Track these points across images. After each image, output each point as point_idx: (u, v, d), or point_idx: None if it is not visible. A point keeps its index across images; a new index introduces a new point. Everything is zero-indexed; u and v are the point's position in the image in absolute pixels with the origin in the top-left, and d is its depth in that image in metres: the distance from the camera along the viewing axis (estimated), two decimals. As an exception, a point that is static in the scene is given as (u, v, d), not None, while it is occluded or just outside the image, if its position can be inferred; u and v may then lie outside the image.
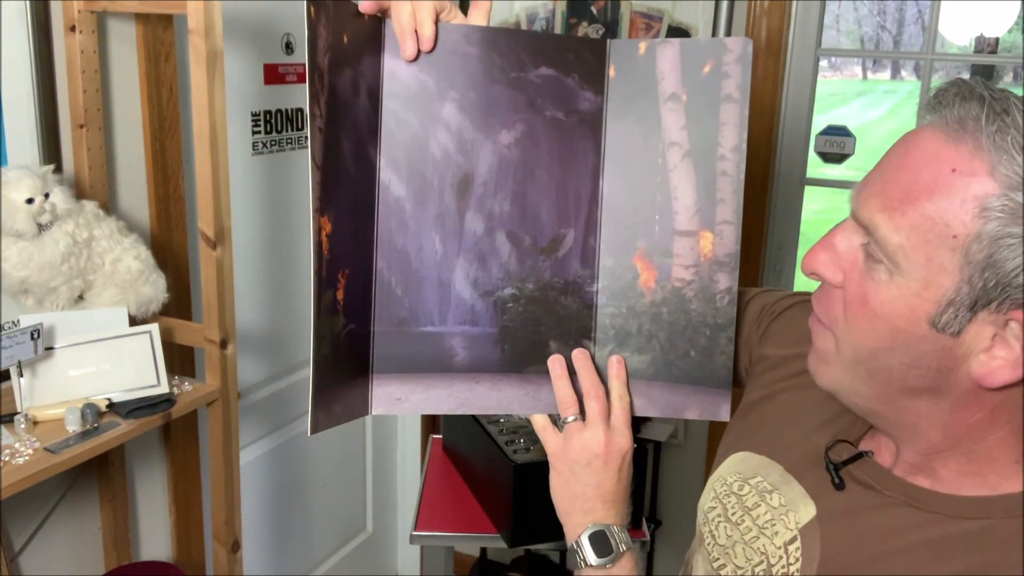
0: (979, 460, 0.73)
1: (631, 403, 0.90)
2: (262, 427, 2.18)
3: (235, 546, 1.64)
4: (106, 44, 1.59)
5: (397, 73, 0.86)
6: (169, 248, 1.75)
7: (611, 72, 0.90)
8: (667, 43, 0.88)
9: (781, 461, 0.88)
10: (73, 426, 1.31)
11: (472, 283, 0.89)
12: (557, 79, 0.89)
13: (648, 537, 1.74)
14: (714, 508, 0.92)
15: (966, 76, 0.71)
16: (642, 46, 0.89)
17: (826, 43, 2.20)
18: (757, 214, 2.20)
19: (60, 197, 1.37)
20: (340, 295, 0.84)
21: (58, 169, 1.49)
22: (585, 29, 2.27)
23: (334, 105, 0.82)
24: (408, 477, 2.76)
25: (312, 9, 0.79)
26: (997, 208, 0.63)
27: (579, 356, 0.90)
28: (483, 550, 2.66)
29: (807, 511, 0.82)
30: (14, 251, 1.35)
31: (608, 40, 0.90)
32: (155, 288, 1.51)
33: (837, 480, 0.81)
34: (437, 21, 0.86)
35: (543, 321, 0.90)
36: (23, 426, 1.29)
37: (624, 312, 0.91)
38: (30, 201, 1.32)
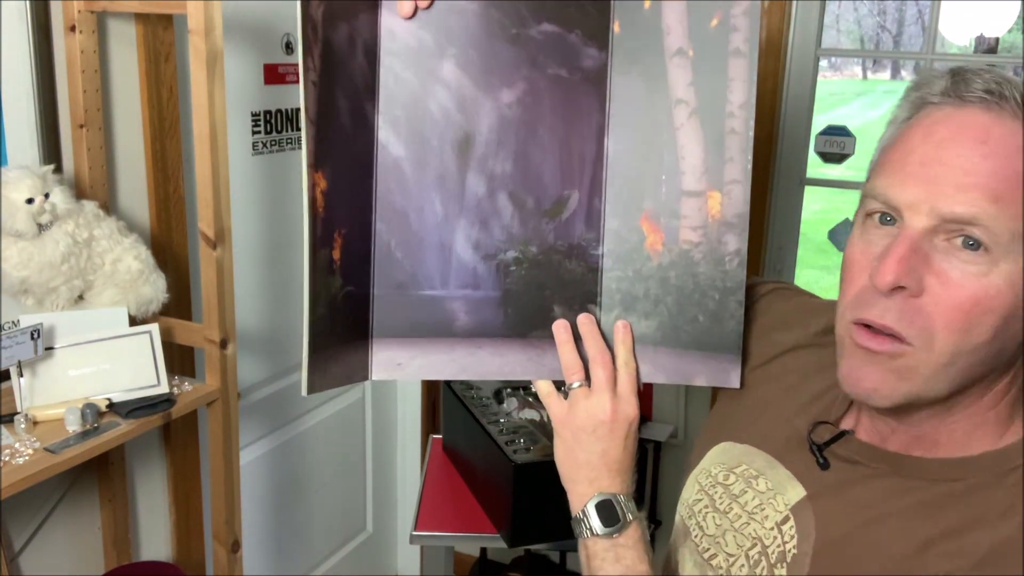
0: (971, 423, 0.76)
1: (637, 369, 0.88)
2: (262, 427, 2.18)
3: (235, 546, 1.64)
4: (106, 44, 1.59)
5: (395, 30, 0.84)
6: (169, 248, 1.75)
7: (615, 28, 0.87)
8: None
9: (764, 448, 0.89)
10: (73, 426, 1.31)
11: (474, 246, 0.87)
12: (560, 35, 0.86)
13: (648, 537, 1.74)
14: (700, 500, 0.92)
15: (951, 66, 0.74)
16: (647, 1, 0.86)
17: (826, 43, 2.20)
18: (757, 214, 2.20)
19: (60, 197, 1.37)
20: (336, 255, 0.82)
21: (58, 169, 1.49)
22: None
23: (329, 59, 0.80)
24: (408, 477, 2.76)
25: None
26: None
27: (584, 321, 0.88)
28: (483, 550, 2.66)
29: (795, 492, 0.83)
30: (14, 251, 1.35)
31: None
32: (155, 288, 1.51)
33: (822, 460, 0.83)
34: None
35: (547, 285, 0.88)
36: (23, 426, 1.29)
37: (630, 276, 0.88)
38: (30, 201, 1.32)
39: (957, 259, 0.70)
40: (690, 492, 0.95)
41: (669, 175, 0.86)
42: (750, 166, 0.86)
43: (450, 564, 1.78)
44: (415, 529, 1.65)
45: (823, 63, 2.21)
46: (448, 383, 1.83)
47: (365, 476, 2.65)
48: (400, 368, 0.87)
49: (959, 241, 0.69)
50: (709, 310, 0.87)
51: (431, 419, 2.68)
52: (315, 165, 0.80)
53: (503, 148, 0.87)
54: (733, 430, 0.94)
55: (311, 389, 0.81)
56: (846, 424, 0.85)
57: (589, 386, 0.87)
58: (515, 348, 0.88)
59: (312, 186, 0.80)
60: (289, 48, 2.07)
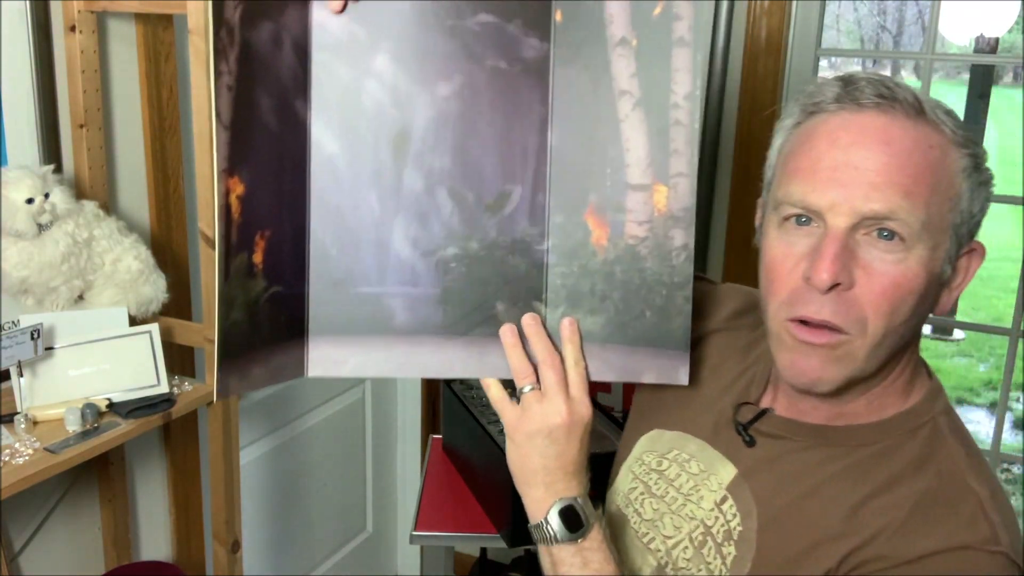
0: (894, 383, 0.85)
1: (587, 368, 0.87)
2: (262, 427, 2.19)
3: (235, 546, 1.64)
4: (106, 44, 1.59)
5: (326, 24, 0.83)
6: (169, 248, 1.75)
7: (557, 16, 0.85)
8: None
9: (692, 431, 0.94)
10: (73, 426, 1.31)
11: (412, 242, 0.86)
12: (498, 26, 0.84)
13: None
14: (635, 488, 0.96)
15: (887, 74, 0.82)
16: None
17: (826, 43, 2.20)
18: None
19: (60, 197, 1.37)
20: (258, 258, 0.81)
21: (58, 169, 1.49)
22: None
23: (248, 60, 0.79)
24: (408, 477, 2.76)
25: None
26: (967, 167, 0.78)
27: (529, 322, 0.87)
28: (483, 550, 2.66)
29: (727, 471, 0.88)
30: (14, 251, 1.35)
31: None
32: (155, 288, 1.51)
33: (748, 438, 0.88)
34: None
35: (490, 282, 0.86)
36: (23, 426, 1.29)
37: (576, 271, 0.87)
38: (30, 201, 1.32)
39: (877, 249, 0.77)
40: (624, 482, 0.98)
41: (614, 168, 0.85)
42: (696, 159, 0.85)
43: (450, 564, 1.78)
44: (415, 529, 1.65)
45: (823, 63, 2.21)
46: (448, 383, 1.83)
47: (365, 476, 2.65)
48: (338, 365, 0.86)
49: (875, 233, 0.77)
50: (656, 306, 0.86)
51: (431, 419, 2.68)
52: (229, 170, 0.78)
53: (441, 142, 0.85)
54: (661, 418, 0.98)
55: (225, 392, 0.80)
56: (765, 402, 0.91)
57: (540, 389, 0.86)
58: (456, 346, 0.86)
59: (225, 192, 0.78)
60: (289, 48, 2.07)
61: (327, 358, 0.86)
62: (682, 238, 0.85)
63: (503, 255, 0.86)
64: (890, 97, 0.77)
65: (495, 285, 0.86)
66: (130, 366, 1.42)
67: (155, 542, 1.88)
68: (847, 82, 0.79)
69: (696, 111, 0.84)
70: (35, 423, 1.32)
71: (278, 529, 2.30)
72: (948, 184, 0.78)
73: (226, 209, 0.78)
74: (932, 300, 0.82)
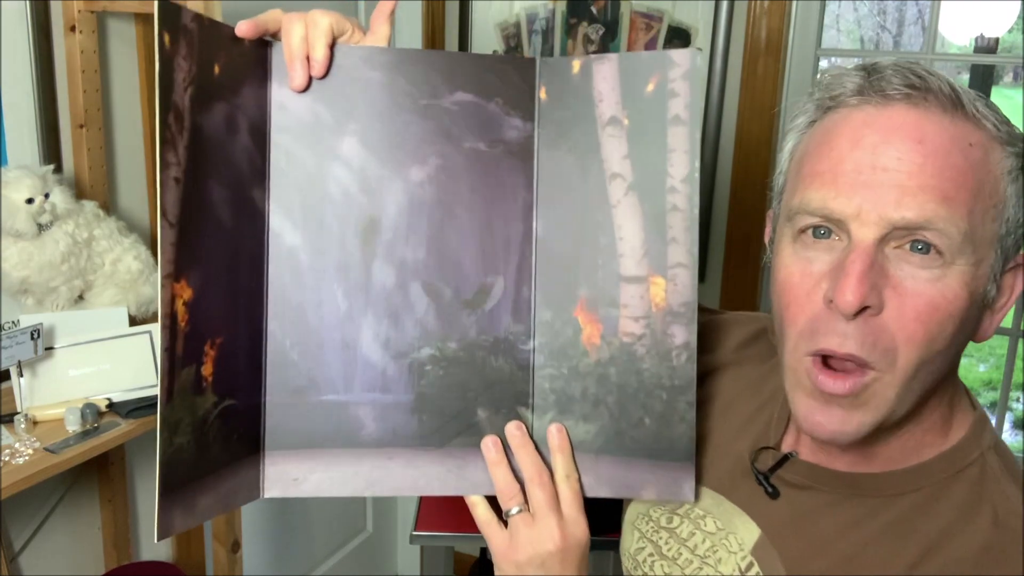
0: (930, 419, 0.73)
1: (580, 481, 0.77)
2: (262, 427, 2.18)
3: (235, 546, 1.64)
4: (106, 44, 1.59)
5: (287, 104, 0.75)
6: (169, 248, 1.75)
7: (542, 95, 0.77)
8: (604, 59, 0.76)
9: (706, 483, 0.82)
10: (73, 426, 1.31)
11: (383, 344, 0.77)
12: (477, 104, 0.77)
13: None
14: (643, 548, 0.84)
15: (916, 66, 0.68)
16: (576, 64, 0.77)
17: (826, 43, 2.20)
18: (757, 214, 2.20)
19: (60, 197, 1.37)
20: (207, 369, 0.72)
21: (58, 169, 1.49)
22: (585, 29, 2.27)
23: (199, 148, 0.70)
24: (408, 477, 2.76)
25: (167, 38, 0.66)
26: (1013, 168, 0.66)
27: (515, 432, 0.77)
28: (483, 550, 2.66)
29: (749, 530, 0.77)
30: (14, 251, 1.35)
31: (537, 59, 0.78)
32: (155, 288, 1.51)
33: (770, 489, 0.77)
34: (333, 44, 0.75)
35: (469, 386, 0.77)
36: (23, 426, 1.29)
37: (565, 373, 0.77)
38: (30, 201, 1.32)
39: (910, 265, 0.65)
40: (630, 541, 0.86)
41: (606, 259, 0.76)
42: (696, 248, 0.74)
43: (450, 564, 1.78)
44: (415, 529, 1.65)
45: (823, 63, 2.21)
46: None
47: (365, 476, 2.64)
48: (297, 484, 0.76)
49: (908, 246, 0.65)
50: (656, 412, 0.75)
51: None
52: (175, 275, 0.68)
53: (414, 232, 0.77)
54: None
55: (166, 532, 0.69)
56: (787, 445, 0.79)
57: (530, 510, 0.75)
58: (432, 459, 0.77)
59: (170, 299, 0.68)
60: (289, 48, 2.07)
61: (284, 476, 0.76)
62: (683, 336, 0.75)
63: (484, 356, 0.77)
64: (922, 87, 0.65)
65: (475, 390, 0.77)
66: (130, 366, 1.42)
67: (155, 542, 1.88)
68: (871, 71, 0.68)
69: (695, 195, 0.74)
70: (35, 423, 1.32)
71: (278, 529, 2.30)
72: (992, 188, 0.65)
73: (171, 319, 0.68)
74: (973, 325, 0.69)
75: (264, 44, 0.75)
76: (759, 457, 0.79)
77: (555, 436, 0.77)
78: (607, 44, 2.26)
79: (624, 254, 0.76)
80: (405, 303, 0.77)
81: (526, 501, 0.76)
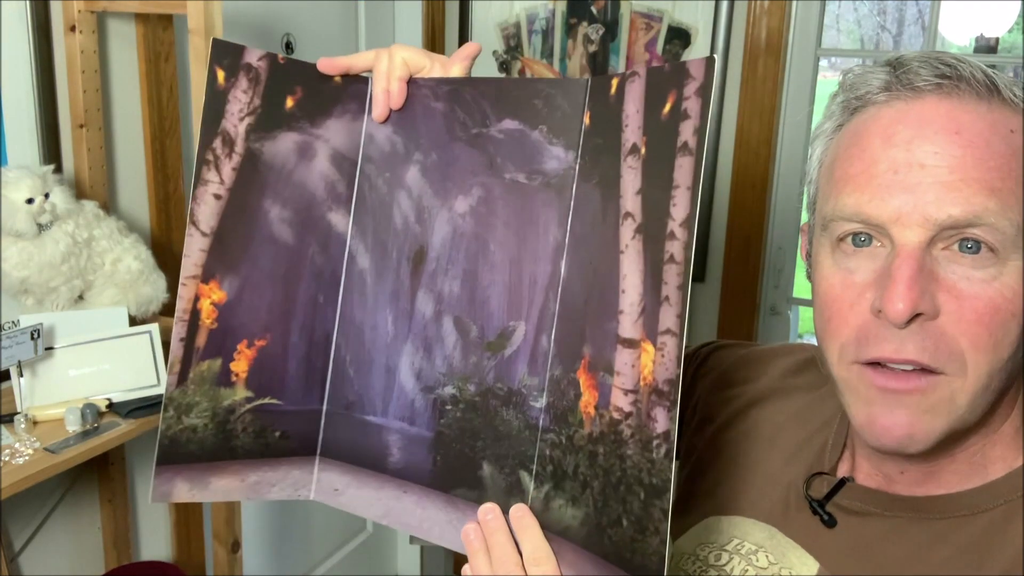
0: (997, 436, 0.67)
1: (553, 564, 0.67)
2: (262, 427, 2.18)
3: (235, 546, 1.64)
4: (106, 44, 1.59)
5: (375, 135, 0.80)
6: (169, 248, 1.75)
7: (586, 120, 0.71)
8: (635, 76, 0.68)
9: (755, 515, 0.77)
10: (73, 426, 1.31)
11: (416, 373, 0.78)
12: (522, 133, 0.74)
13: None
14: None
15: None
16: (614, 83, 0.69)
17: (826, 43, 2.20)
18: (757, 214, 2.20)
19: (60, 197, 1.37)
20: (239, 367, 0.77)
21: (58, 169, 1.49)
22: (585, 29, 2.27)
23: (253, 170, 0.77)
24: (408, 477, 2.76)
25: (221, 75, 0.74)
26: None
27: (486, 520, 0.70)
28: (483, 550, 2.66)
29: (805, 564, 0.72)
30: (14, 251, 1.35)
31: (588, 80, 0.71)
32: (155, 288, 1.51)
33: (826, 517, 0.71)
34: (411, 78, 0.78)
35: (480, 435, 0.74)
36: (23, 426, 1.29)
37: (563, 443, 0.69)
38: (30, 201, 1.32)
39: (962, 267, 0.61)
40: None
41: (608, 315, 0.67)
42: (686, 313, 0.63)
43: (450, 564, 1.78)
44: (415, 529, 1.65)
45: (823, 63, 2.21)
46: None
47: (365, 476, 2.65)
48: (336, 495, 0.80)
49: (957, 247, 0.61)
50: (634, 514, 0.65)
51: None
52: (203, 277, 0.76)
53: (453, 265, 0.76)
54: (714, 502, 0.81)
55: (163, 497, 0.75)
56: (842, 471, 0.74)
57: None
58: (438, 504, 0.76)
59: (193, 297, 0.75)
60: (289, 48, 2.07)
61: (330, 484, 0.80)
62: (664, 424, 0.63)
63: (497, 406, 0.73)
64: (953, 76, 0.62)
65: (485, 441, 0.74)
66: (130, 366, 1.42)
67: (155, 542, 1.88)
68: (896, 65, 0.64)
69: (691, 244, 0.63)
70: (35, 423, 1.32)
71: (278, 529, 2.30)
72: None
73: (191, 313, 0.75)
74: None
75: (362, 80, 0.80)
76: (812, 484, 0.74)
77: (516, 520, 0.69)
78: (607, 44, 2.26)
79: (624, 311, 0.67)
80: (438, 335, 0.77)
81: None
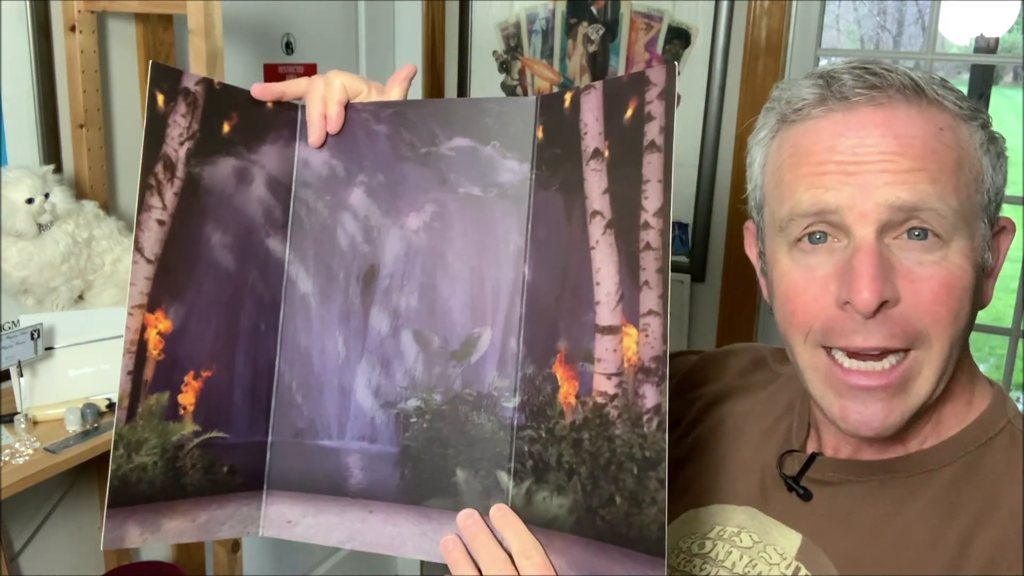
0: (951, 394, 0.73)
1: (543, 557, 0.68)
2: (262, 427, 2.18)
3: (235, 546, 1.64)
4: (106, 44, 1.59)
5: (310, 160, 0.80)
6: (169, 248, 1.75)
7: (539, 134, 0.75)
8: (591, 88, 0.73)
9: (734, 500, 0.80)
10: (73, 426, 1.31)
11: (374, 391, 0.77)
12: (473, 149, 0.77)
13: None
14: None
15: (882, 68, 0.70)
16: (567, 97, 0.74)
17: (826, 43, 2.20)
18: (757, 214, 2.20)
19: (60, 197, 1.37)
20: (187, 400, 0.75)
21: (58, 169, 1.49)
22: (585, 29, 2.27)
23: (193, 196, 0.75)
24: (408, 477, 2.76)
25: (160, 97, 0.73)
26: (980, 141, 0.69)
27: (466, 522, 0.71)
28: (483, 550, 2.65)
29: (789, 539, 0.75)
30: (14, 251, 1.35)
31: (538, 98, 0.77)
32: (155, 288, 1.51)
33: (802, 491, 0.75)
34: (349, 103, 0.80)
35: (451, 443, 0.74)
36: (23, 426, 1.29)
37: (543, 436, 0.71)
38: (30, 201, 1.32)
39: (913, 252, 0.66)
40: None
41: (584, 307, 0.71)
42: (668, 293, 0.67)
43: (450, 564, 1.78)
44: (415, 529, 1.65)
45: (823, 63, 2.21)
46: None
47: (365, 476, 2.64)
48: (290, 527, 0.77)
49: (906, 235, 0.66)
50: (627, 489, 0.67)
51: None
52: (148, 306, 0.74)
53: (408, 280, 0.77)
54: (690, 496, 0.84)
55: (114, 543, 0.71)
56: (811, 448, 0.79)
57: None
58: (409, 518, 0.75)
59: (139, 327, 0.73)
60: (289, 48, 2.07)
61: (281, 517, 0.77)
62: (654, 398, 0.66)
63: (467, 411, 0.74)
64: (883, 85, 0.67)
65: (456, 448, 0.74)
66: (130, 366, 1.42)
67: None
68: (828, 79, 0.69)
69: (667, 231, 0.68)
70: (35, 423, 1.32)
71: (278, 529, 2.29)
72: (970, 164, 0.68)
73: (139, 344, 0.73)
74: (979, 294, 0.70)
75: (293, 107, 0.81)
76: (785, 463, 0.78)
77: (497, 519, 0.70)
78: (607, 44, 2.26)
79: (600, 301, 0.70)
80: (396, 351, 0.77)
81: None
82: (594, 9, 2.26)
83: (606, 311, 0.70)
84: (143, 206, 0.73)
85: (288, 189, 0.80)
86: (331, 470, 0.77)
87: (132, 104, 1.67)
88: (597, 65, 2.28)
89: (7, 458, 1.23)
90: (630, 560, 0.66)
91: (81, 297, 1.47)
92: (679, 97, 2.20)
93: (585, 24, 2.28)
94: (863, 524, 0.72)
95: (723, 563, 0.78)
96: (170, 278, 0.75)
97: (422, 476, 0.75)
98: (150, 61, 0.75)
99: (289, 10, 2.04)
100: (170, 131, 0.74)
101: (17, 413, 1.32)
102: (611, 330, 0.70)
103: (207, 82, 0.77)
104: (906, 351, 0.67)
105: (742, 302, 2.23)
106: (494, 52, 2.38)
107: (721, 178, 2.22)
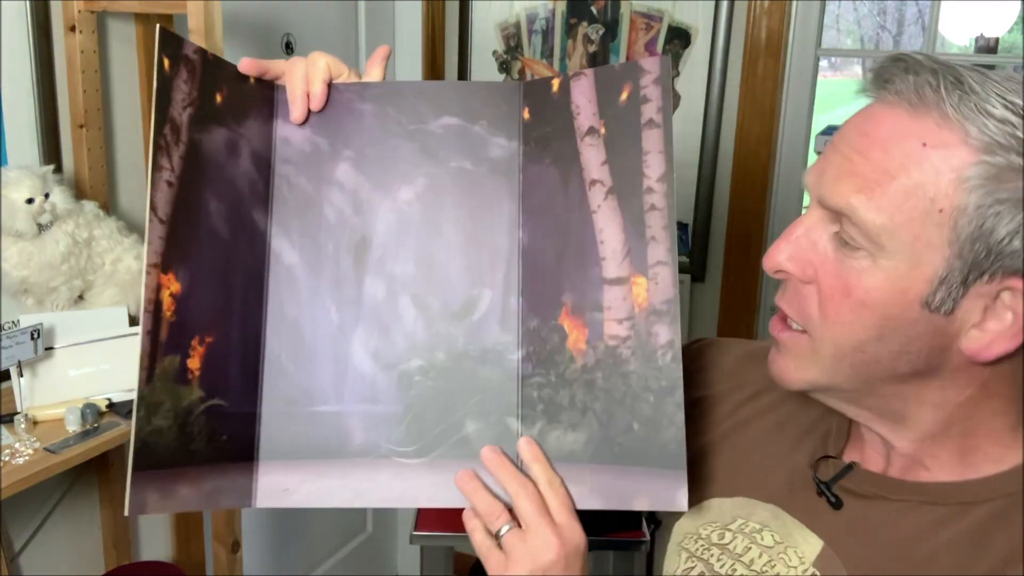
0: (976, 435, 0.70)
1: (566, 489, 0.75)
2: (262, 427, 2.18)
3: (235, 546, 1.64)
4: (106, 44, 1.59)
5: (290, 138, 0.81)
6: (169, 248, 1.75)
7: (525, 115, 0.81)
8: (581, 75, 0.80)
9: (760, 496, 0.80)
10: (73, 426, 1.31)
11: (372, 355, 0.78)
12: (462, 127, 0.81)
13: (648, 537, 1.74)
14: (693, 567, 0.81)
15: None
16: (555, 83, 0.81)
17: (826, 43, 2.20)
18: (757, 214, 2.20)
19: (60, 197, 1.37)
20: (194, 364, 0.74)
21: (58, 169, 1.49)
22: (585, 29, 2.27)
23: (195, 161, 0.76)
24: (408, 477, 2.76)
25: (167, 62, 0.74)
26: (978, 176, 0.61)
27: (489, 455, 0.75)
28: (483, 550, 2.66)
29: (810, 543, 0.74)
30: (14, 251, 1.35)
31: (521, 83, 0.82)
32: (155, 288, 1.51)
33: (833, 499, 0.74)
34: (331, 82, 0.81)
35: (457, 396, 0.77)
36: (23, 426, 1.29)
37: (553, 381, 0.77)
38: (30, 201, 1.32)
39: (843, 250, 0.66)
40: (676, 563, 0.83)
41: (589, 264, 0.77)
42: (675, 246, 0.75)
43: (450, 564, 1.78)
44: (415, 529, 1.65)
45: (823, 63, 2.21)
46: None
47: (365, 476, 2.64)
48: (287, 494, 0.77)
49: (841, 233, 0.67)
50: (645, 416, 0.74)
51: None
52: (162, 266, 0.73)
53: (403, 248, 0.80)
54: (716, 484, 0.84)
55: (139, 510, 0.70)
56: (849, 456, 0.77)
57: (520, 527, 0.73)
58: (419, 471, 0.77)
59: (156, 287, 0.72)
60: (289, 48, 2.07)
61: (276, 486, 0.77)
62: (667, 334, 0.74)
63: (472, 366, 0.78)
64: (893, 84, 0.65)
65: (464, 400, 0.77)
66: (130, 366, 1.41)
67: (155, 542, 1.88)
68: (883, 67, 0.67)
69: (671, 194, 0.76)
70: (35, 423, 1.32)
71: (278, 529, 2.30)
72: (937, 192, 0.62)
73: (155, 304, 0.72)
74: (931, 335, 0.66)
75: (268, 86, 0.82)
76: (820, 467, 0.77)
77: (526, 450, 0.75)
78: (607, 44, 2.26)
79: (606, 257, 0.77)
80: (394, 315, 0.79)
81: (514, 520, 0.74)
82: (594, 9, 2.26)
83: (612, 265, 0.77)
84: (155, 166, 0.73)
85: (268, 165, 0.81)
86: (330, 434, 0.78)
87: (132, 104, 1.67)
88: (597, 65, 2.28)
89: (7, 458, 1.23)
90: (651, 476, 0.73)
91: (81, 297, 1.47)
92: (678, 96, 2.20)
93: (585, 24, 2.28)
94: (887, 542, 0.71)
95: (741, 558, 0.78)
96: (178, 240, 0.74)
97: (430, 430, 0.77)
98: (157, 26, 0.75)
99: (289, 10, 2.04)
100: (175, 95, 0.75)
101: (17, 413, 1.32)
102: (619, 281, 0.76)
103: (203, 52, 0.78)
104: (802, 331, 0.70)
105: (742, 302, 2.23)
106: (494, 52, 2.38)
107: (721, 178, 2.22)
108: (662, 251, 0.75)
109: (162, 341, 0.72)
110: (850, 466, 0.75)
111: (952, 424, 0.70)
